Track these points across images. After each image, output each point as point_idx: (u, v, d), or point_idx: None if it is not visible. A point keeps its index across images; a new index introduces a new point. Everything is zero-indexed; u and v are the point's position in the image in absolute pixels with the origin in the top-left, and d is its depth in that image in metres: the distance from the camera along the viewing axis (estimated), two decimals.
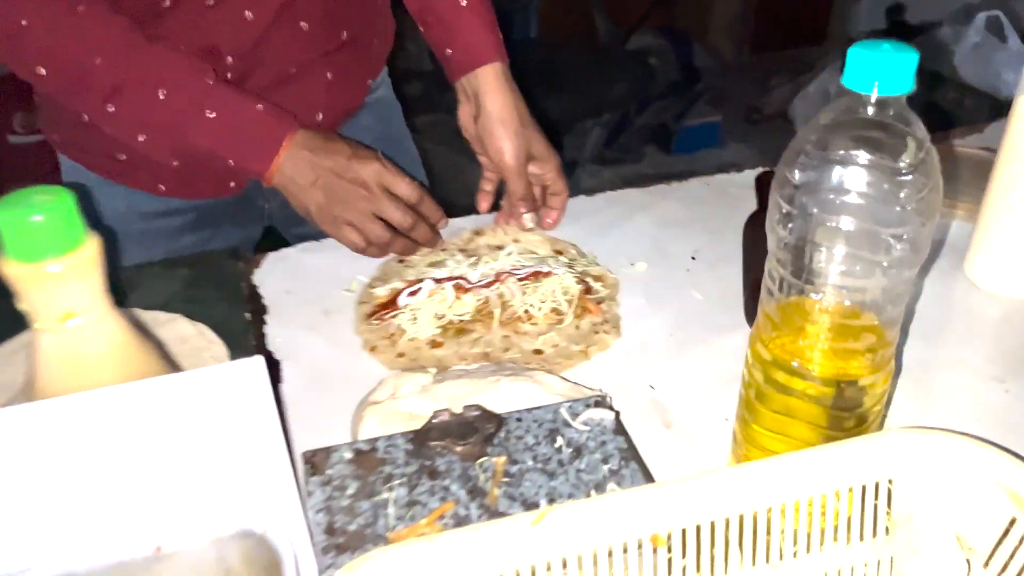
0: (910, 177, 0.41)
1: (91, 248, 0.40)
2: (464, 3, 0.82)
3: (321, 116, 0.88)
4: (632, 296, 0.74)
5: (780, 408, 0.50)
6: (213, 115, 0.72)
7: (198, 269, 0.81)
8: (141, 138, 0.75)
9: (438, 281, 0.71)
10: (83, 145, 0.86)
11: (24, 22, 0.69)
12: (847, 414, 0.48)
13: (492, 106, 0.81)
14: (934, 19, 2.29)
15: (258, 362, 0.42)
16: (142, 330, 0.44)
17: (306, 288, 0.77)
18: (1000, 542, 0.43)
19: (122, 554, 0.43)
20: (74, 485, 0.42)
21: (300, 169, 0.74)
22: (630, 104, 2.51)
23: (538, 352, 0.67)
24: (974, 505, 0.44)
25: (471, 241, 0.82)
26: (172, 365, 0.47)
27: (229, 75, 0.81)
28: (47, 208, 0.38)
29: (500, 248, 0.78)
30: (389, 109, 1.02)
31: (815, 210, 0.43)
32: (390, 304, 0.71)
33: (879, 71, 0.40)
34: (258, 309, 0.75)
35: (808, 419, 0.49)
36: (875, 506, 0.46)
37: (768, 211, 0.45)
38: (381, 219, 0.75)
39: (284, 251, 0.83)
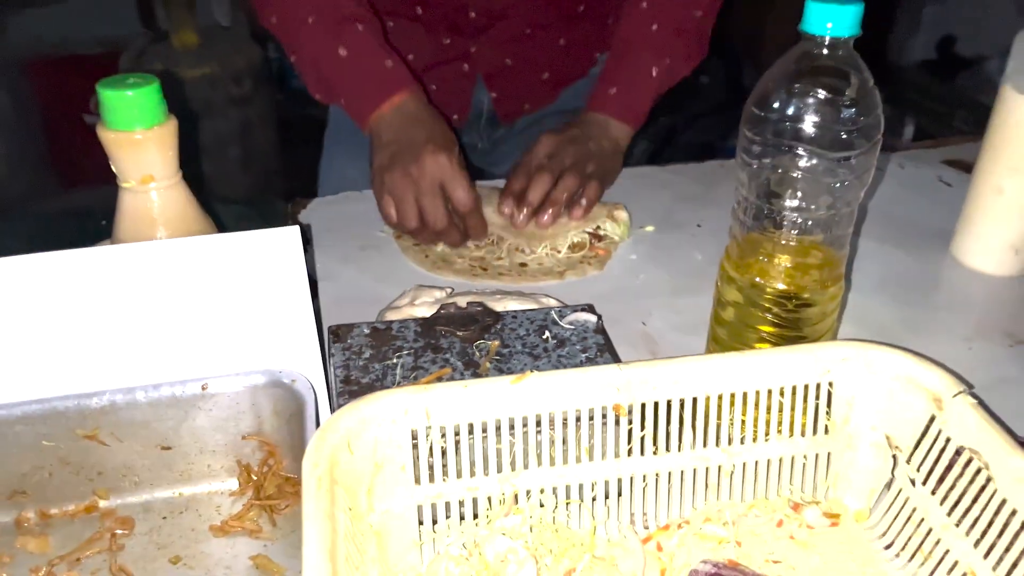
0: (853, 109, 0.48)
1: (171, 126, 0.49)
2: (643, 64, 0.88)
3: (547, 75, 1.01)
4: (638, 250, 0.82)
5: (743, 319, 0.56)
6: (344, 53, 0.80)
7: (252, 206, 0.91)
8: (292, 58, 0.85)
9: None
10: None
11: None
12: (800, 325, 0.54)
13: (563, 125, 0.87)
14: (984, 53, 2.32)
15: (293, 231, 0.50)
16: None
17: (346, 228, 0.86)
18: (921, 438, 0.49)
19: (176, 389, 0.52)
20: (138, 324, 0.51)
21: (386, 128, 0.80)
22: (677, 119, 2.58)
23: (523, 265, 0.77)
24: (902, 408, 0.50)
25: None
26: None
27: (473, 25, 0.94)
28: (138, 88, 0.48)
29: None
30: None
31: (776, 140, 0.50)
32: None
33: (833, 16, 0.47)
34: (303, 240, 0.84)
35: (767, 329, 0.56)
36: (816, 406, 0.52)
37: (738, 144, 0.53)
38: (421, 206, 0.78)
39: (329, 197, 0.92)
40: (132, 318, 0.50)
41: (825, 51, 0.48)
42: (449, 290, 0.69)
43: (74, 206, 2.13)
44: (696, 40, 0.91)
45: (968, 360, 0.67)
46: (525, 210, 0.79)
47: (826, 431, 0.52)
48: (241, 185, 2.08)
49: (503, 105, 1.04)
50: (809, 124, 0.49)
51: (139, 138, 0.47)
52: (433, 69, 0.99)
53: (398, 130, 0.79)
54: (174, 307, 0.50)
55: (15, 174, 2.14)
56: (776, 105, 0.50)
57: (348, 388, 0.51)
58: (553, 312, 0.58)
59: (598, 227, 0.82)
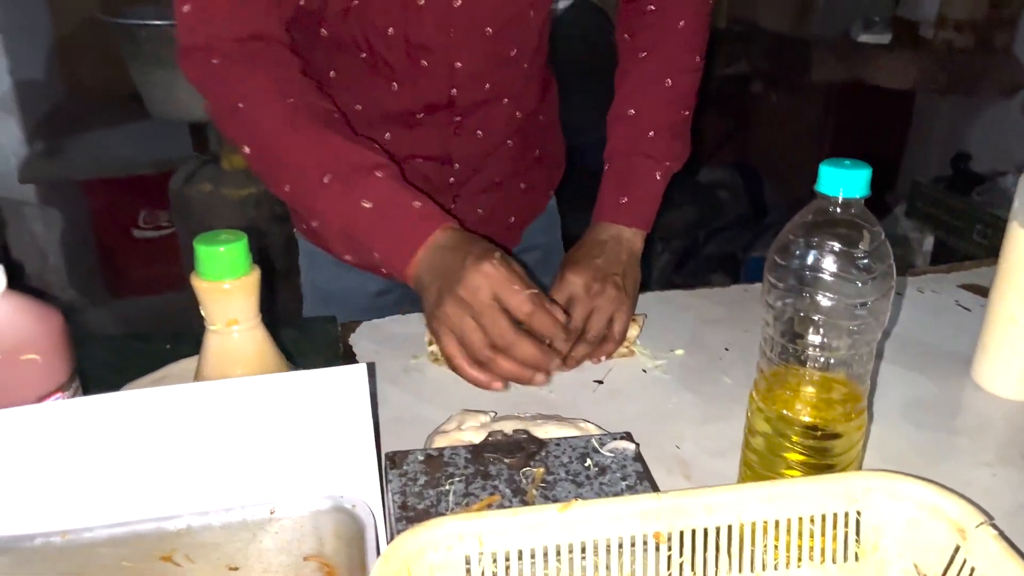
0: (867, 261, 0.53)
1: (254, 276, 0.55)
2: (647, 171, 0.92)
3: (513, 219, 1.10)
4: (670, 373, 0.86)
5: (773, 448, 0.60)
6: (369, 205, 0.73)
7: (304, 331, 0.97)
8: (315, 223, 0.78)
9: None
10: (320, 235, 0.88)
11: (240, 105, 0.76)
12: (827, 455, 0.58)
13: (580, 247, 0.90)
14: (998, 168, 2.40)
15: (360, 369, 0.56)
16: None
17: (391, 350, 0.91)
18: (948, 567, 0.52)
19: (246, 512, 0.56)
20: (217, 452, 0.56)
21: (426, 271, 0.74)
22: (699, 232, 2.66)
23: None
24: (927, 537, 0.53)
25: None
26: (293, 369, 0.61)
27: (454, 178, 1.00)
28: (228, 244, 0.54)
29: None
30: (554, 214, 1.20)
31: (798, 286, 0.55)
32: None
33: (844, 180, 0.53)
34: (351, 364, 0.89)
35: (796, 458, 0.59)
36: (845, 534, 0.55)
37: (762, 287, 0.58)
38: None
39: (375, 321, 0.98)
40: (213, 447, 0.55)
41: (839, 209, 0.54)
42: (493, 413, 0.74)
43: (122, 314, 2.23)
44: (686, 138, 0.95)
45: (992, 486, 0.70)
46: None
47: (856, 558, 0.55)
48: (286, 301, 2.16)
49: None
50: (827, 273, 0.54)
51: (227, 288, 0.53)
52: None
53: (438, 266, 0.73)
54: (251, 437, 0.55)
55: (68, 284, 2.25)
56: (796, 254, 0.55)
57: (406, 514, 0.55)
58: (594, 440, 0.62)
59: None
